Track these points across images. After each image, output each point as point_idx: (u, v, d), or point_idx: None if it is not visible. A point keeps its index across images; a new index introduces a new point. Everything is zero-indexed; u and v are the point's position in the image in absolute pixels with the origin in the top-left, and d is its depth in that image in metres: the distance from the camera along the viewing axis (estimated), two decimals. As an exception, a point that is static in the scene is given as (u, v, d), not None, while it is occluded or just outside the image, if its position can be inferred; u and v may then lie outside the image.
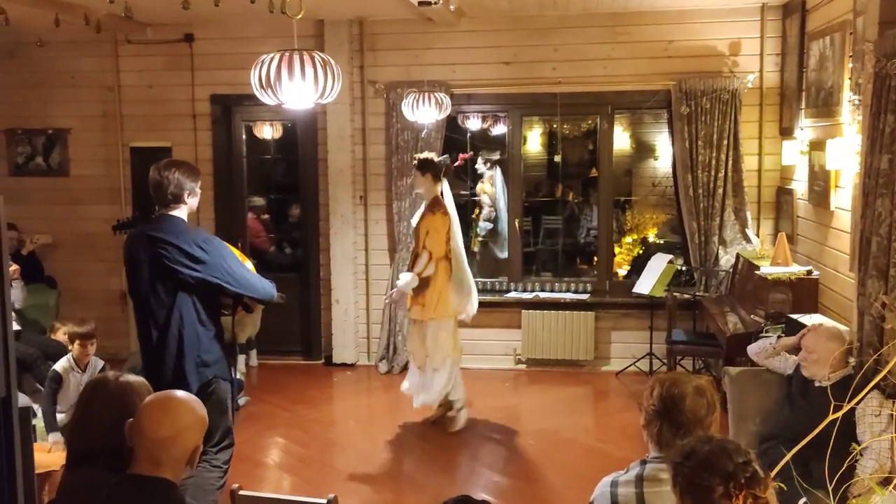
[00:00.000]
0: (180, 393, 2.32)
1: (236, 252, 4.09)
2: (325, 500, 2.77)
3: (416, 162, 5.88)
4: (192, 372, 3.84)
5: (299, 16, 3.62)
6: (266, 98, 3.60)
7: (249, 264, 4.12)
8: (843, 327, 4.59)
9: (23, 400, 2.09)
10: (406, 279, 5.77)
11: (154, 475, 2.18)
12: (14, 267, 6.57)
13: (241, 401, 6.58)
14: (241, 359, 7.43)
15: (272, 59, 3.47)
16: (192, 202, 3.96)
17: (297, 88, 3.47)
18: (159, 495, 2.17)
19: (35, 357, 5.89)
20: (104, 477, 2.24)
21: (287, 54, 3.45)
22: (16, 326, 6.21)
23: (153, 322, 3.88)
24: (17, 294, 6.62)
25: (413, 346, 6.04)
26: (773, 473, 2.29)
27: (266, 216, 8.78)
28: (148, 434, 2.18)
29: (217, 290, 3.92)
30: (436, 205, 5.79)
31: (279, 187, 8.94)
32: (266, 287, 4.09)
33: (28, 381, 5.75)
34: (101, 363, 5.28)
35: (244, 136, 8.00)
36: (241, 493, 2.79)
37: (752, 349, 4.56)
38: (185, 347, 3.83)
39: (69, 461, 2.45)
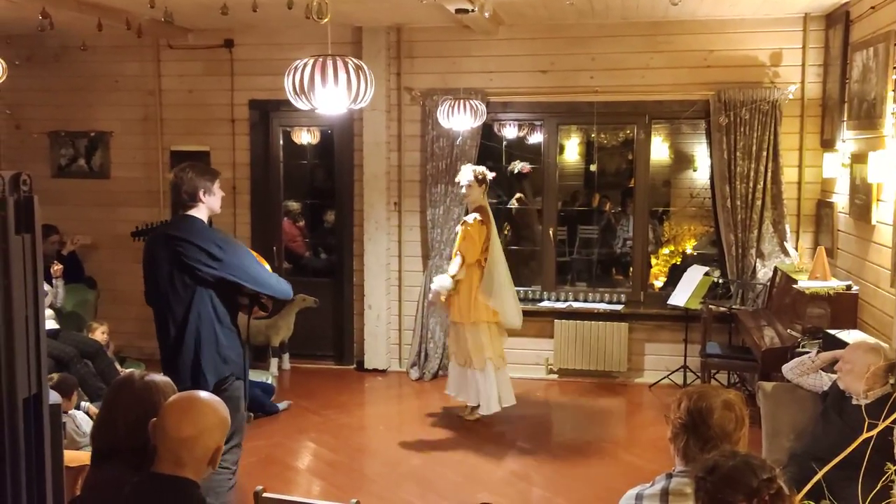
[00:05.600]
0: (203, 393, 2.33)
1: (254, 254, 4.14)
2: (347, 506, 2.76)
3: (477, 175, 6.12)
4: (209, 368, 3.89)
5: (325, 20, 3.64)
6: (300, 103, 3.63)
7: (267, 266, 4.16)
8: (884, 345, 4.47)
9: (53, 397, 2.11)
10: (441, 281, 6.15)
11: (176, 474, 2.19)
12: (58, 266, 6.70)
13: (282, 405, 6.60)
14: (274, 362, 7.49)
15: (306, 65, 3.49)
16: (209, 201, 4.00)
17: (330, 94, 3.49)
18: (181, 494, 2.19)
19: (72, 356, 5.99)
20: (127, 475, 2.26)
21: (320, 60, 3.47)
22: (55, 325, 6.33)
23: (172, 319, 3.94)
24: (59, 293, 6.74)
25: (451, 347, 6.41)
26: (802, 492, 2.24)
27: (301, 221, 8.85)
28: (170, 433, 2.20)
29: (234, 287, 3.98)
30: (478, 213, 6.12)
31: (315, 192, 9.01)
32: (282, 285, 4.12)
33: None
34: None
35: (281, 142, 8.07)
36: (265, 495, 2.79)
37: (787, 367, 4.46)
38: (203, 344, 3.89)
39: (94, 459, 2.48)
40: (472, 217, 6.11)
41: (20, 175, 2.04)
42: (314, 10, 3.56)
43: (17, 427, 1.98)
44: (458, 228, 6.22)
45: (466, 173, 6.16)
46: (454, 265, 6.11)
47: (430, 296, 6.34)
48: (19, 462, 1.99)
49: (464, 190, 6.20)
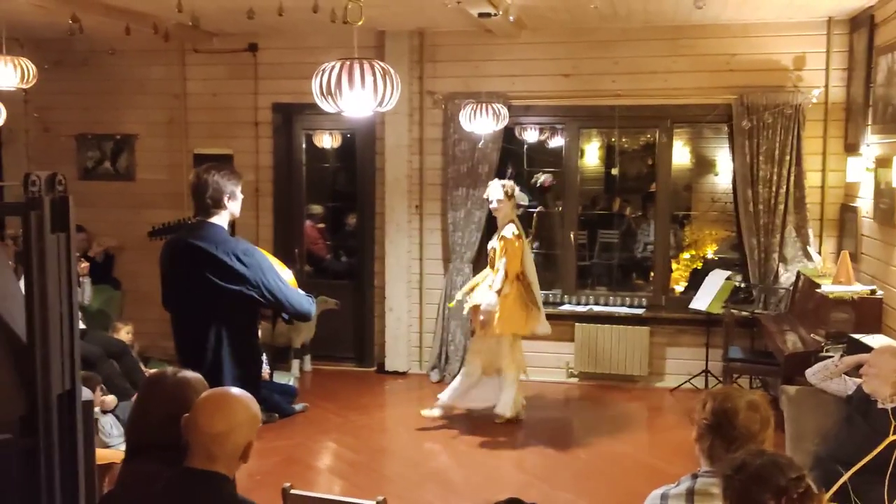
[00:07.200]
0: (235, 390, 2.36)
1: (275, 261, 4.04)
2: (374, 502, 2.79)
3: (507, 190, 6.07)
4: (228, 385, 3.69)
5: (360, 22, 3.67)
6: (326, 106, 3.65)
7: (289, 273, 4.06)
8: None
9: (85, 394, 2.16)
10: (488, 299, 6.05)
11: (208, 469, 2.22)
12: (84, 264, 6.78)
13: (299, 407, 6.64)
14: (296, 363, 7.53)
15: (333, 68, 3.52)
16: (232, 207, 3.89)
17: (356, 97, 3.51)
18: (213, 489, 2.22)
19: (98, 355, 6.06)
20: (160, 470, 2.29)
21: (348, 63, 3.50)
22: (82, 325, 6.41)
23: (190, 329, 3.86)
24: (85, 292, 6.83)
25: (480, 359, 6.27)
26: (829, 493, 2.23)
27: (323, 224, 8.90)
28: (203, 429, 2.23)
29: (255, 302, 3.89)
30: (513, 228, 6.06)
31: (337, 195, 9.06)
32: (303, 303, 4.02)
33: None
34: None
35: (304, 145, 8.13)
36: (293, 492, 2.83)
37: (810, 371, 4.43)
38: (223, 360, 3.81)
39: (127, 454, 2.52)
40: (510, 231, 6.03)
41: (56, 175, 2.09)
42: (348, 13, 3.58)
43: (52, 421, 2.04)
44: (496, 243, 6.13)
45: (496, 190, 6.08)
46: (498, 280, 6.03)
47: (483, 316, 6.10)
48: (53, 453, 2.04)
49: (494, 204, 6.14)
